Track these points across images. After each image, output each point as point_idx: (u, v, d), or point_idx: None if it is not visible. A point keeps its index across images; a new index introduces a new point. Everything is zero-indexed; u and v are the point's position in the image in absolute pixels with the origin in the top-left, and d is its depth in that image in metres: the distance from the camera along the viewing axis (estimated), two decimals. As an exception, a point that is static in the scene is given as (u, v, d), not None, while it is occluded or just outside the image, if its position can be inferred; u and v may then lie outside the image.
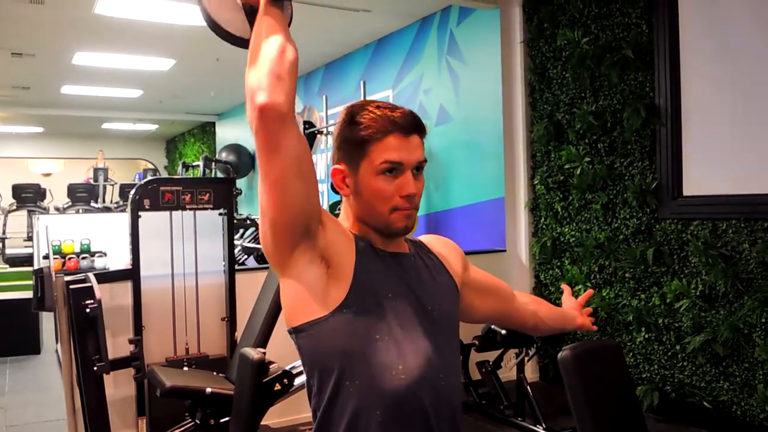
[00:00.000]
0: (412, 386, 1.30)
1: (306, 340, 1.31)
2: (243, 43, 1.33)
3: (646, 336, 4.31)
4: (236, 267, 4.27)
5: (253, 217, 8.40)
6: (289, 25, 1.38)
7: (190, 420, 3.33)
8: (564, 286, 2.00)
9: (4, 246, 11.20)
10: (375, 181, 1.32)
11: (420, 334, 1.34)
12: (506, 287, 1.68)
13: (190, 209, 4.06)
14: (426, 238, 1.55)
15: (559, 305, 1.91)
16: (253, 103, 1.18)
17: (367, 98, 6.53)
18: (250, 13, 1.30)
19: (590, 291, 1.99)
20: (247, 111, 1.22)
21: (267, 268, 4.03)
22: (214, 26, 1.34)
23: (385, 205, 1.33)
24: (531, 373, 5.08)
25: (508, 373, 4.44)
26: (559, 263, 4.97)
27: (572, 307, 1.90)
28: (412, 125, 1.34)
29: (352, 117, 1.35)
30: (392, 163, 1.31)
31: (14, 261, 8.84)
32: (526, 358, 4.26)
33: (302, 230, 1.26)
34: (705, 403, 3.98)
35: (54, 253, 6.55)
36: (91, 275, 3.61)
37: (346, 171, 1.36)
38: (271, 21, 1.24)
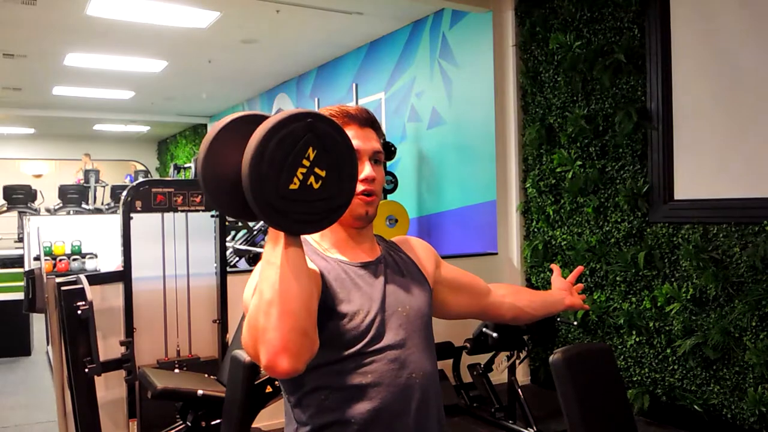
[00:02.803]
0: (387, 392, 1.32)
1: None
2: (223, 210, 1.19)
3: (637, 339, 4.33)
4: (228, 269, 4.27)
5: (245, 219, 8.37)
6: None
7: (181, 422, 3.33)
8: (553, 266, 1.98)
9: (-6, 247, 11.13)
10: None
11: (390, 339, 1.36)
12: (480, 283, 1.70)
13: (182, 211, 4.06)
14: (398, 239, 1.59)
15: None
16: (272, 365, 1.07)
17: (359, 101, 6.54)
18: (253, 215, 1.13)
19: (580, 268, 1.97)
20: (251, 350, 1.12)
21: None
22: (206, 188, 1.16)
23: None
24: (522, 375, 5.09)
25: (499, 375, 4.45)
26: (550, 267, 4.98)
27: (561, 288, 1.88)
28: (366, 119, 1.44)
29: None
30: None
31: (5, 262, 8.78)
32: (518, 361, 4.27)
33: None
34: (695, 407, 3.99)
35: (45, 255, 6.52)
36: (82, 277, 3.60)
37: None
38: (295, 260, 1.11)
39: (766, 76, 3.67)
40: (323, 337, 1.30)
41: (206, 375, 3.70)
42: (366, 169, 1.40)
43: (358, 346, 1.32)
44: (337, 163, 1.12)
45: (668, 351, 4.16)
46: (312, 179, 1.09)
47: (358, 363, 1.32)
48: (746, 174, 3.78)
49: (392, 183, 5.92)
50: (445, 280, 1.60)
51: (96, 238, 7.10)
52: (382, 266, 1.44)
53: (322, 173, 1.10)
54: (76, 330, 3.38)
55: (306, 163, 1.08)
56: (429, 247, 1.62)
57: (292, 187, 1.07)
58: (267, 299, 1.09)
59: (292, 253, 1.11)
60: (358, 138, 1.39)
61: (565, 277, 1.92)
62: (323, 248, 1.41)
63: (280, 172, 1.06)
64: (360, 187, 1.38)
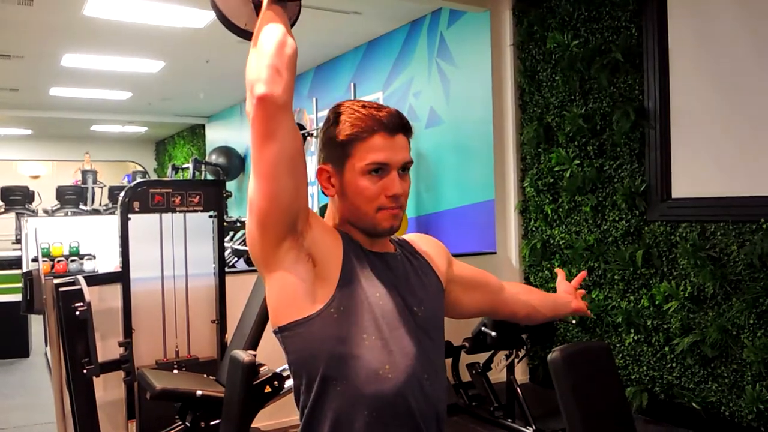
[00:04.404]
0: (399, 386, 1.30)
1: (292, 339, 1.30)
2: (248, 35, 1.36)
3: (636, 337, 4.33)
4: (226, 269, 4.27)
5: (243, 219, 8.39)
6: (295, 21, 1.38)
7: (180, 423, 3.33)
8: (558, 271, 1.97)
9: (-8, 249, 11.10)
10: (360, 181, 1.32)
11: (406, 335, 1.34)
12: (493, 280, 1.67)
13: (180, 211, 4.05)
14: (410, 237, 1.55)
15: None
16: (252, 94, 1.21)
17: (358, 100, 6.53)
18: (258, 6, 1.33)
19: (583, 273, 1.96)
20: (246, 103, 1.25)
21: (257, 270, 4.02)
22: (222, 17, 1.37)
23: (371, 205, 1.33)
24: (521, 374, 5.09)
25: (498, 374, 4.46)
26: (548, 265, 4.99)
27: (566, 291, 1.87)
28: (397, 125, 1.34)
29: (337, 116, 1.35)
30: (377, 163, 1.31)
31: (3, 264, 8.76)
32: (516, 360, 4.27)
33: (290, 225, 1.26)
34: (694, 404, 4.00)
35: (43, 256, 6.50)
36: (80, 278, 3.60)
37: (331, 171, 1.36)
38: (272, 15, 1.27)
39: (763, 75, 3.68)
40: (343, 315, 1.28)
41: (205, 375, 3.70)
42: (395, 185, 1.32)
43: (376, 333, 1.30)
44: None
45: (666, 349, 4.16)
46: None
47: (374, 351, 1.29)
48: (744, 172, 3.78)
49: (390, 182, 5.91)
50: (458, 278, 1.57)
51: (94, 239, 7.09)
52: (399, 263, 1.41)
53: None
54: (75, 331, 3.38)
55: None
56: (440, 245, 1.59)
57: None
58: (250, 55, 1.26)
59: (271, 12, 1.28)
60: (387, 150, 1.32)
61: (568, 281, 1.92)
62: None
63: None
64: (387, 204, 1.33)
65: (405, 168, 1.35)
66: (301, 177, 1.26)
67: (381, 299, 1.32)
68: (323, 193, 1.39)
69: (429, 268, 1.48)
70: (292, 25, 1.38)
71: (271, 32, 1.25)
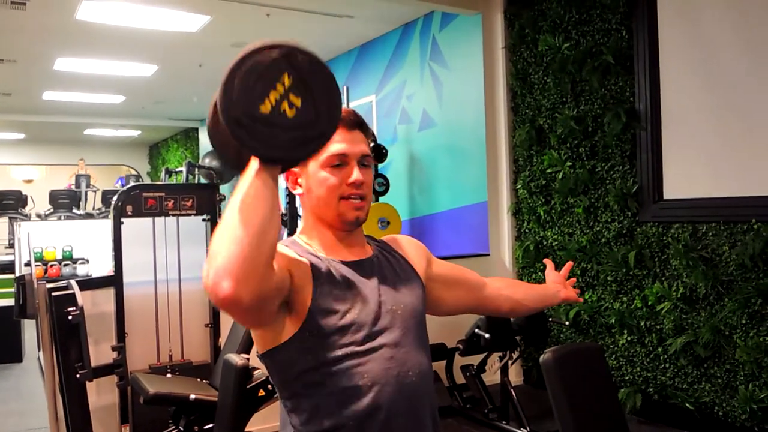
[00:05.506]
0: (383, 392, 1.32)
1: (273, 365, 1.34)
2: (230, 164, 1.23)
3: (629, 338, 4.35)
4: (220, 273, 4.26)
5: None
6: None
7: (173, 427, 3.32)
8: (547, 261, 1.98)
9: (-15, 253, 11.05)
10: (323, 174, 1.38)
11: (385, 338, 1.36)
12: (475, 277, 1.69)
13: (173, 215, 4.05)
14: (388, 238, 1.58)
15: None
16: (214, 287, 1.05)
17: (351, 104, 6.54)
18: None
19: (570, 263, 1.98)
20: (203, 277, 1.07)
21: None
22: (217, 150, 1.25)
23: (334, 194, 1.38)
24: (515, 376, 5.10)
25: (492, 376, 4.46)
26: (542, 267, 5.00)
27: (555, 282, 1.88)
28: (354, 121, 1.41)
29: None
30: (337, 155, 1.37)
31: (-5, 268, 8.75)
32: (510, 362, 4.28)
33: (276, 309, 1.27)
34: (687, 405, 4.01)
35: (36, 261, 6.50)
36: (73, 282, 3.59)
37: (297, 171, 1.42)
38: (259, 186, 1.09)
39: (752, 76, 3.70)
40: (317, 336, 1.30)
41: (199, 379, 3.69)
42: (354, 174, 1.38)
43: (353, 346, 1.31)
44: (315, 93, 1.10)
45: (659, 350, 4.17)
46: (286, 105, 1.06)
47: (353, 363, 1.31)
48: (734, 173, 3.80)
49: (384, 185, 5.92)
50: (439, 277, 1.59)
51: (87, 243, 7.07)
52: (375, 266, 1.43)
53: (298, 102, 1.07)
54: (67, 336, 3.38)
55: (280, 87, 1.06)
56: (419, 244, 1.61)
57: (263, 108, 1.05)
58: (224, 224, 1.08)
59: (259, 181, 1.09)
60: (345, 142, 1.38)
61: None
62: (314, 248, 1.40)
63: (251, 91, 1.04)
64: (349, 192, 1.38)
65: (365, 162, 1.41)
66: (282, 285, 1.24)
67: (356, 312, 1.34)
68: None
69: (407, 265, 1.51)
70: (314, 153, 1.19)
71: (254, 210, 1.07)
